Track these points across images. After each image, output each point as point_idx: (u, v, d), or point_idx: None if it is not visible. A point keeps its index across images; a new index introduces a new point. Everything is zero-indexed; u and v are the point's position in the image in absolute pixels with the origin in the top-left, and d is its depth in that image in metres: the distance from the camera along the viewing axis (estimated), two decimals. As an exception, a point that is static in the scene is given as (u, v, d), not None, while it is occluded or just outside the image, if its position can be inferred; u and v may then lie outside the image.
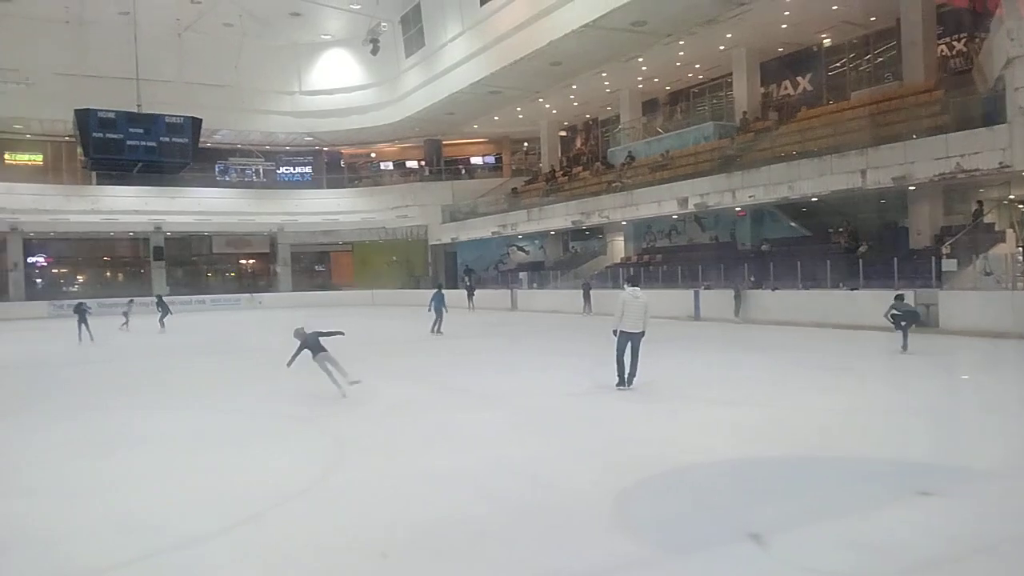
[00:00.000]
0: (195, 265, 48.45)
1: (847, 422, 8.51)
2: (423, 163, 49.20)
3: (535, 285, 35.70)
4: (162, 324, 26.01)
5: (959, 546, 4.77)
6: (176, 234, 45.00)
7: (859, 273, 20.60)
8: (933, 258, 19.18)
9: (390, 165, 52.00)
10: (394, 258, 47.34)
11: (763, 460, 6.94)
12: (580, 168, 39.15)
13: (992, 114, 18.38)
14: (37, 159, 44.33)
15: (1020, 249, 19.04)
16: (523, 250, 42.66)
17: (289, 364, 10.45)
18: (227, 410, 10.38)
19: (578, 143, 44.84)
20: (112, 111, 21.52)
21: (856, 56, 29.10)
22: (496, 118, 41.21)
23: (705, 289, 24.63)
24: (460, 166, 49.61)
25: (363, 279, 46.65)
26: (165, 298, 28.08)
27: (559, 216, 34.40)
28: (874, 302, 17.21)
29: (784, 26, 27.67)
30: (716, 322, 22.66)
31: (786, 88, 31.83)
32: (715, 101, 34.87)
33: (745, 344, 17.25)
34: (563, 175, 39.55)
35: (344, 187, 49.45)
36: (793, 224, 26.73)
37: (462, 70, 34.59)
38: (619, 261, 34.28)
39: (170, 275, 45.36)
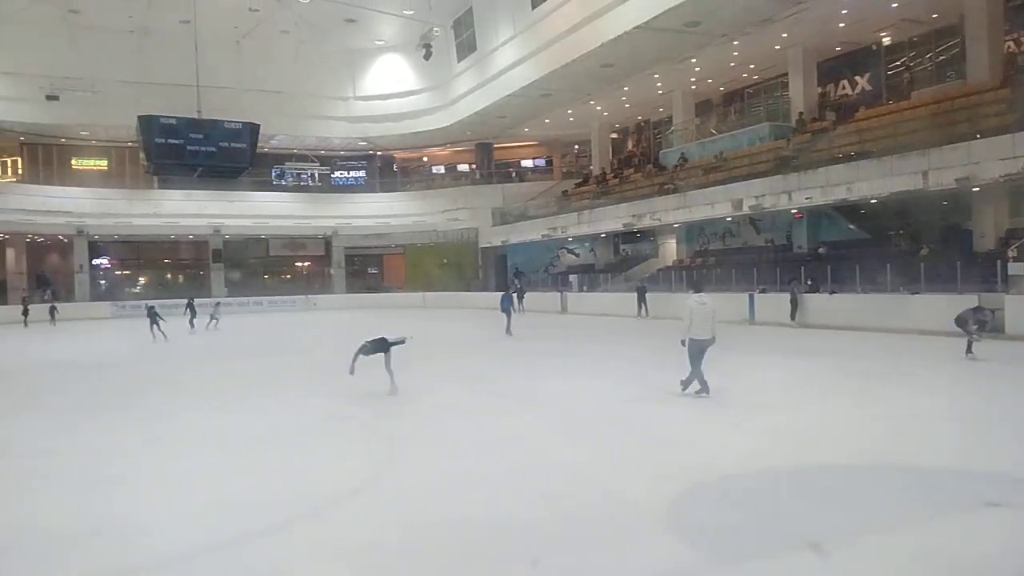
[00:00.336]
0: (252, 267, 49.58)
1: (908, 430, 8.27)
2: (474, 166, 49.45)
3: (585, 288, 35.55)
4: (192, 325, 26.65)
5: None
6: (234, 237, 46.15)
7: (920, 276, 20.00)
8: (998, 261, 18.52)
9: (442, 169, 52.40)
10: (445, 261, 47.70)
11: (821, 468, 6.79)
12: (631, 170, 38.87)
13: (1062, 112, 17.75)
14: (102, 164, 45.88)
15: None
16: (573, 253, 42.52)
17: (351, 366, 10.63)
18: (282, 410, 10.57)
19: (629, 145, 44.54)
20: (173, 117, 22.14)
21: (917, 54, 28.30)
22: (547, 121, 41.18)
23: (760, 292, 24.23)
24: (511, 169, 49.68)
25: (415, 281, 47.13)
26: (195, 301, 28.66)
27: (610, 218, 34.21)
28: (936, 306, 16.70)
29: (842, 25, 27.07)
30: (771, 326, 22.26)
31: (844, 88, 31.10)
32: (770, 102, 34.28)
33: (802, 349, 16.90)
34: (614, 177, 39.32)
35: (397, 191, 50.02)
36: (851, 226, 26.11)
37: (513, 73, 34.67)
38: (671, 264, 33.94)
39: (228, 277, 46.52)
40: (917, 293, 19.63)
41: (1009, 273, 17.97)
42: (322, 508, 5.87)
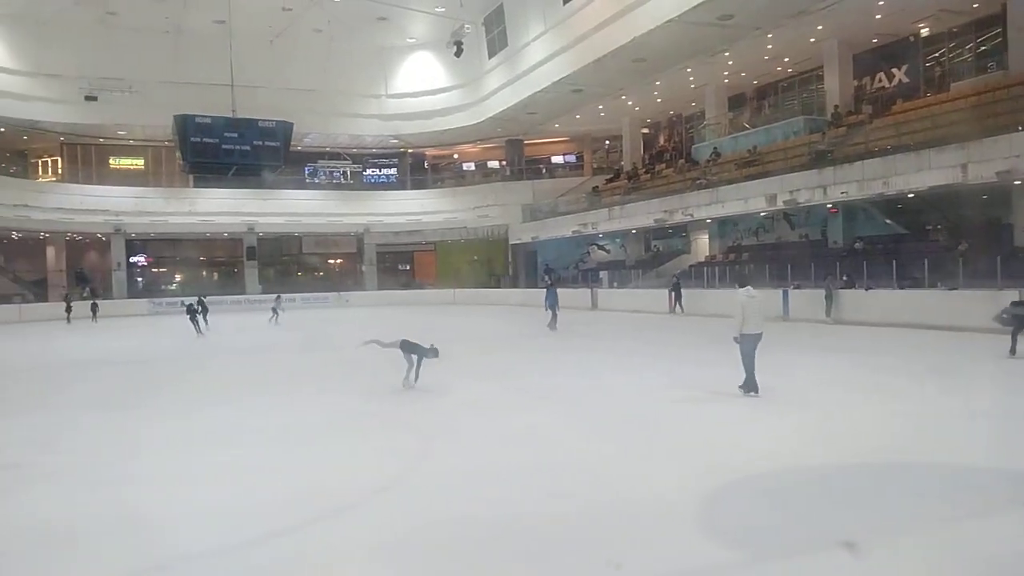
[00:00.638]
0: (286, 264, 50.25)
1: (945, 428, 8.14)
2: (504, 163, 49.46)
3: (616, 284, 35.41)
4: (206, 323, 26.57)
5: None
6: (268, 235, 46.74)
7: (959, 272, 19.62)
8: (1041, 257, 18.13)
9: (472, 166, 52.48)
10: (475, 257, 47.82)
11: (855, 465, 6.70)
12: (663, 165, 38.61)
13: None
14: (139, 163, 46.67)
15: None
16: (604, 249, 42.37)
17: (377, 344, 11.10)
18: (309, 406, 10.70)
19: (661, 140, 44.24)
20: (208, 116, 22.46)
21: (957, 45, 27.69)
22: (578, 116, 41.03)
23: (795, 289, 23.93)
24: (541, 165, 49.59)
25: (445, 278, 47.32)
26: (205, 299, 28.16)
27: (641, 214, 34.01)
28: (975, 303, 16.35)
29: (878, 16, 26.57)
30: (806, 323, 21.98)
31: (880, 80, 30.55)
32: (805, 95, 33.79)
33: (837, 345, 16.68)
34: (646, 173, 39.09)
35: (427, 188, 50.22)
36: (888, 221, 25.68)
37: (544, 69, 34.60)
38: (703, 260, 33.67)
39: (262, 274, 47.13)
40: (955, 289, 19.26)
41: (1052, 268, 17.58)
42: (347, 505, 5.93)
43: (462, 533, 5.14)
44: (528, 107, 38.58)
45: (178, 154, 24.45)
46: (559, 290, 24.45)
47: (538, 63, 35.09)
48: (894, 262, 21.35)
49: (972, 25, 26.76)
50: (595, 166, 48.47)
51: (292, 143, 24.95)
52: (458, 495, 6.06)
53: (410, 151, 50.70)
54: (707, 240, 34.83)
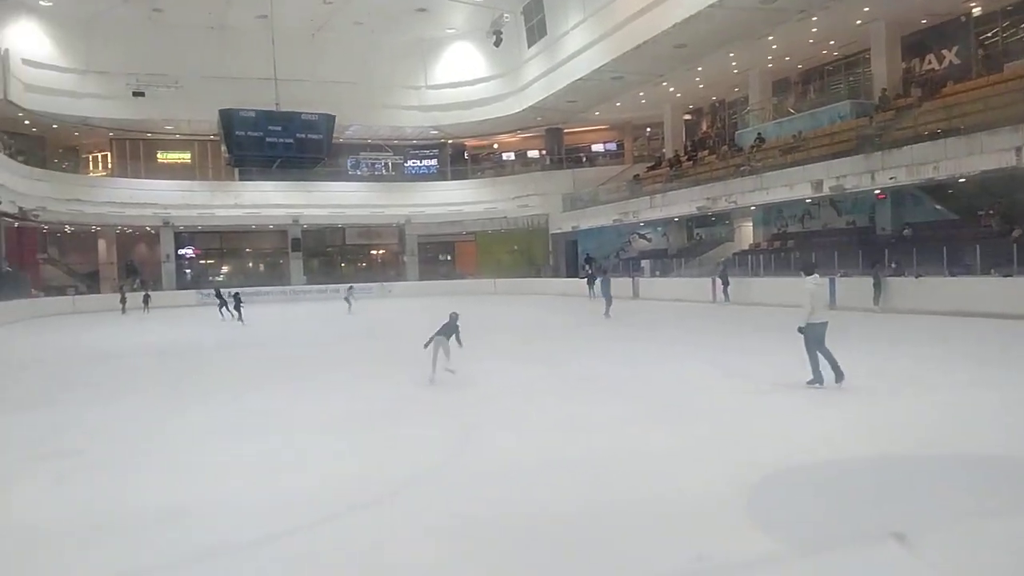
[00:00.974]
0: (330, 256, 50.90)
1: (997, 419, 7.92)
2: (544, 152, 49.30)
3: (657, 273, 35.15)
4: (222, 314, 27.35)
5: None
6: (312, 226, 47.37)
7: (1012, 258, 19.05)
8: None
9: (512, 155, 52.41)
10: (515, 247, 47.84)
11: (904, 457, 6.58)
12: (706, 152, 38.12)
13: None
14: (185, 157, 47.56)
15: None
16: (645, 238, 42.07)
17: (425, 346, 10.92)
18: (355, 394, 10.85)
19: (704, 126, 43.68)
20: (252, 110, 22.82)
21: (1011, 24, 26.77)
22: (618, 104, 40.70)
23: (841, 276, 23.50)
24: (581, 154, 49.31)
25: (486, 268, 47.43)
26: (223, 291, 29.36)
27: (683, 202, 33.66)
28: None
29: (928, -4, 25.90)
30: (853, 311, 21.56)
31: (930, 62, 29.72)
32: (851, 79, 33.05)
33: (885, 334, 16.35)
34: (688, 160, 38.65)
35: (467, 178, 50.33)
36: (938, 207, 25.04)
37: (584, 57, 34.38)
38: (748, 247, 33.23)
39: (307, 266, 47.82)
40: (1009, 276, 18.73)
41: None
42: (392, 490, 6.00)
43: (502, 523, 5.16)
44: (568, 95, 38.39)
45: (224, 148, 24.88)
46: (599, 279, 24.36)
47: (578, 51, 34.89)
48: (944, 249, 20.82)
49: (1027, 2, 25.89)
50: (636, 154, 48.05)
51: (334, 135, 25.22)
52: (498, 484, 6.08)
53: (450, 142, 50.84)
54: (751, 228, 34.37)
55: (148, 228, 44.08)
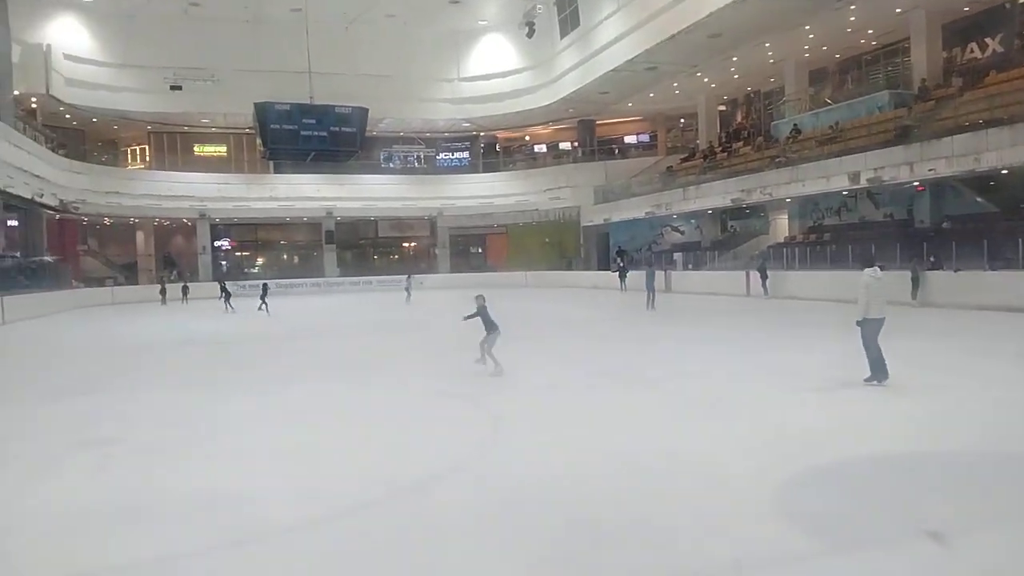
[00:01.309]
0: (362, 248, 51.31)
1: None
2: (576, 144, 49.11)
3: (690, 266, 34.86)
4: (227, 308, 27.97)
5: None
6: (345, 219, 47.80)
7: (1057, 253, 18.61)
8: None
9: (543, 147, 52.29)
10: (547, 240, 47.75)
11: (940, 454, 6.44)
12: (740, 143, 37.67)
13: None
14: (221, 150, 48.24)
15: None
16: (678, 230, 41.73)
17: (465, 318, 11.14)
18: (390, 386, 10.89)
19: (738, 117, 43.14)
20: (287, 103, 23.04)
21: (1059, 10, 26.11)
22: (651, 95, 40.35)
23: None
24: (613, 145, 49.01)
25: (517, 261, 47.39)
26: (228, 283, 30.43)
27: (717, 194, 33.32)
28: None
29: (971, -18, 25.30)
30: (890, 305, 21.11)
31: (972, 51, 29.02)
32: (890, 68, 32.43)
33: (923, 329, 16.02)
34: (722, 151, 38.21)
35: (499, 171, 50.34)
36: (979, 199, 24.47)
37: (617, 48, 34.13)
38: (783, 240, 32.81)
39: (340, 258, 48.26)
40: (1053, 269, 18.28)
41: None
42: (428, 482, 6.02)
43: (536, 517, 5.15)
44: (600, 87, 38.16)
45: (259, 141, 25.14)
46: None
47: (611, 41, 34.65)
48: (985, 242, 20.35)
49: (1076, -12, 25.18)
50: (669, 145, 47.64)
51: (367, 129, 25.35)
52: (532, 479, 6.06)
53: (482, 134, 50.88)
54: (786, 220, 33.91)
55: (185, 220, 44.78)
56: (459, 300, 14.02)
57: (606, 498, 5.46)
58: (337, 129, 22.71)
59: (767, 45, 31.65)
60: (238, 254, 49.81)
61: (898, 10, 27.83)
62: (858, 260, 10.05)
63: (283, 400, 9.93)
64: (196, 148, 47.75)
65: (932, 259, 21.73)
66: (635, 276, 34.10)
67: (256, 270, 47.80)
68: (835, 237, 28.72)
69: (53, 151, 36.57)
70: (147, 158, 46.76)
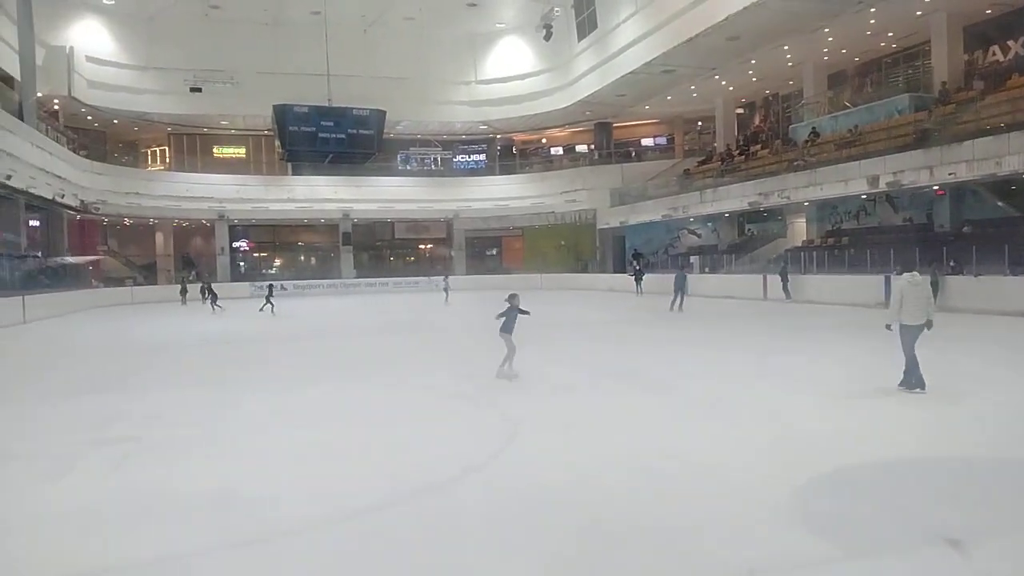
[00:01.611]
0: (379, 250, 51.45)
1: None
2: (592, 147, 49.03)
3: (707, 269, 34.71)
4: (213, 308, 28.48)
5: None
6: (362, 221, 47.93)
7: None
8: None
9: (560, 150, 52.26)
10: (563, 242, 47.68)
11: (958, 460, 6.38)
12: (758, 146, 37.46)
13: None
14: (240, 152, 48.59)
15: None
16: (695, 233, 41.55)
17: (499, 317, 11.24)
18: (406, 387, 10.92)
19: (756, 120, 42.91)
20: (305, 105, 23.20)
21: (1083, 13, 25.78)
22: (669, 98, 40.24)
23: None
24: (630, 148, 48.87)
25: (532, 263, 47.33)
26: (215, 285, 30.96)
27: (734, 197, 33.19)
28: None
29: (994, -16, 25.04)
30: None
31: (994, 54, 28.71)
32: (910, 71, 32.14)
33: (943, 334, 15.79)
34: (740, 154, 38.03)
35: (515, 173, 50.33)
36: (1000, 204, 24.20)
37: (635, 50, 34.09)
38: (800, 244, 32.59)
39: (357, 259, 48.41)
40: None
41: None
42: (444, 483, 6.04)
43: (550, 520, 5.15)
44: (618, 89, 38.13)
45: (277, 143, 25.32)
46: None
47: (628, 44, 34.62)
48: (1006, 247, 20.13)
49: (1101, -9, 24.85)
50: (686, 148, 47.47)
51: (385, 131, 25.47)
52: (546, 482, 6.05)
53: (498, 136, 50.93)
54: (804, 224, 33.70)
55: (204, 221, 45.04)
56: (489, 302, 14.03)
57: (620, 501, 5.45)
58: (355, 131, 22.86)
59: (785, 48, 31.47)
60: (256, 255, 50.09)
61: (919, 12, 27.60)
62: (899, 263, 9.90)
63: (300, 400, 9.97)
64: (215, 150, 48.12)
65: (952, 264, 21.53)
66: (658, 279, 33.86)
67: (273, 271, 48.04)
68: (853, 241, 28.51)
69: (75, 152, 36.99)
70: (167, 159, 47.17)
